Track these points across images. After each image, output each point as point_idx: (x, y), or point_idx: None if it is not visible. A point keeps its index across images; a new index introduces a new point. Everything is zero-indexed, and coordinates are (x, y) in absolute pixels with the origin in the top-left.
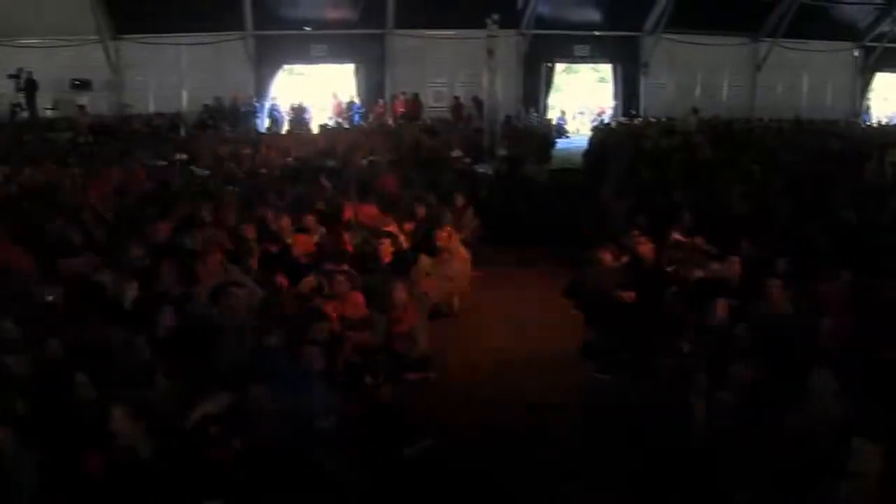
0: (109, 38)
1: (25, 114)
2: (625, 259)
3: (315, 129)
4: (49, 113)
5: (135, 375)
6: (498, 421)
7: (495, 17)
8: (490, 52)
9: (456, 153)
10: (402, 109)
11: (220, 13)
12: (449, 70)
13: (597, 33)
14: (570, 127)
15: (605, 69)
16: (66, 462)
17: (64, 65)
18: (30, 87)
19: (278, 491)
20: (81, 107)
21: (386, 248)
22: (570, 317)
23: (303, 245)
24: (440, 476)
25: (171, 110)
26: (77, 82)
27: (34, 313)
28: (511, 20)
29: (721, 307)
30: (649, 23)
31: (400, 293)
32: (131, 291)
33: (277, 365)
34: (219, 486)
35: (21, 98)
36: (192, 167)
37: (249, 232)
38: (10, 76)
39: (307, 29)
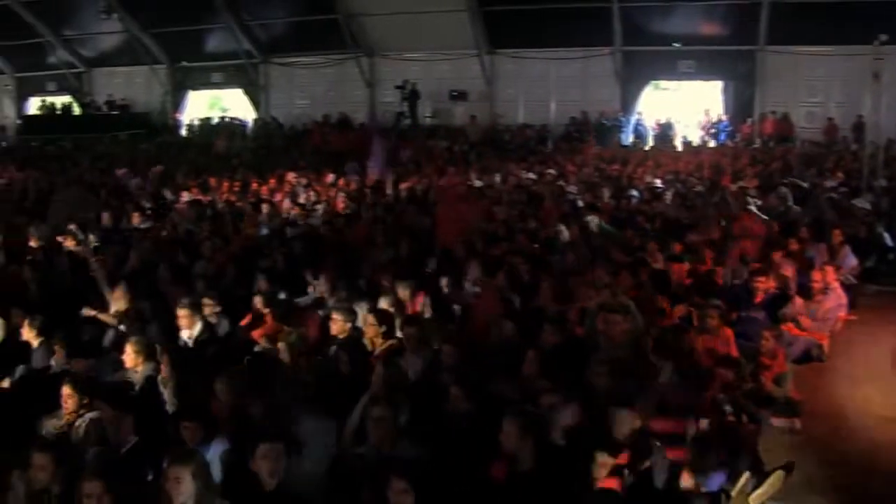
0: (485, 52)
1: (408, 121)
2: None
3: (679, 146)
4: (428, 121)
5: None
6: (853, 480)
7: (883, 37)
8: (876, 76)
9: (830, 183)
10: (770, 130)
11: (590, 29)
12: (824, 89)
13: None
14: None
15: None
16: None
17: (443, 77)
18: (413, 97)
19: None
20: (473, 117)
21: (761, 286)
22: None
23: (677, 273)
24: None
25: (539, 122)
26: (455, 93)
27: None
28: None
29: None
30: None
31: (769, 340)
32: None
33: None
34: None
35: (405, 107)
36: (562, 183)
37: (619, 256)
38: (397, 87)
39: (676, 45)
